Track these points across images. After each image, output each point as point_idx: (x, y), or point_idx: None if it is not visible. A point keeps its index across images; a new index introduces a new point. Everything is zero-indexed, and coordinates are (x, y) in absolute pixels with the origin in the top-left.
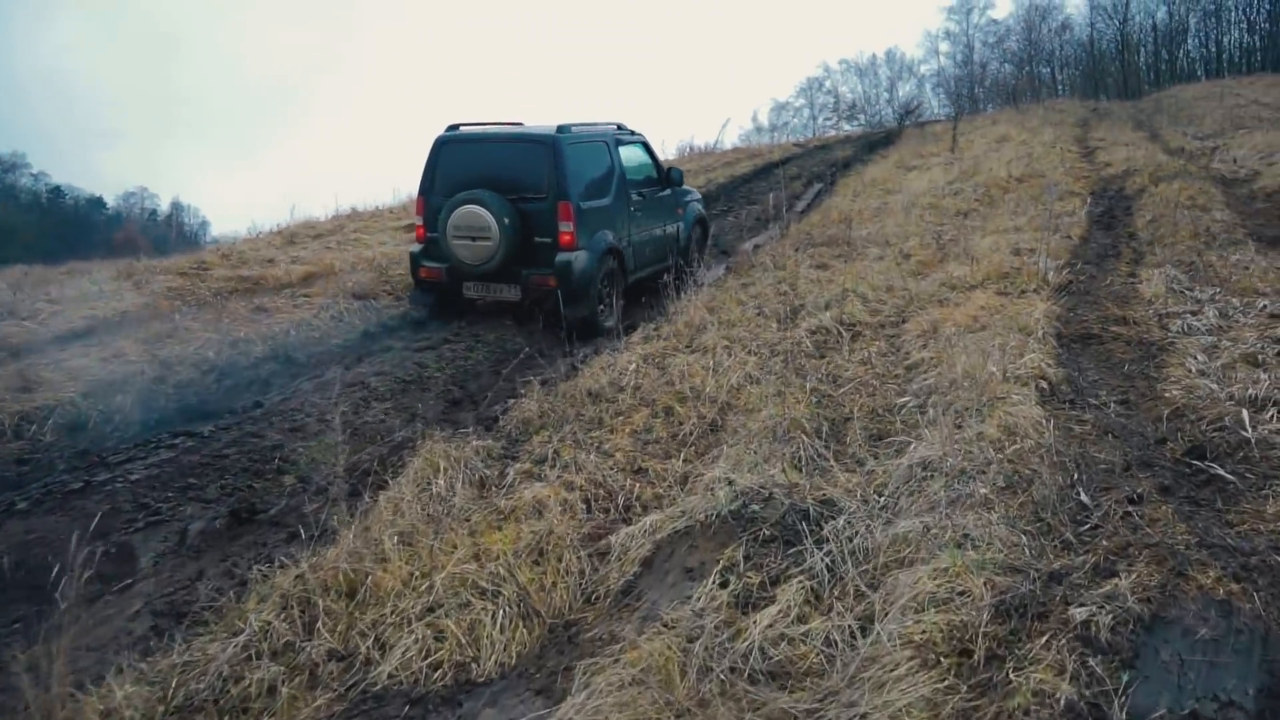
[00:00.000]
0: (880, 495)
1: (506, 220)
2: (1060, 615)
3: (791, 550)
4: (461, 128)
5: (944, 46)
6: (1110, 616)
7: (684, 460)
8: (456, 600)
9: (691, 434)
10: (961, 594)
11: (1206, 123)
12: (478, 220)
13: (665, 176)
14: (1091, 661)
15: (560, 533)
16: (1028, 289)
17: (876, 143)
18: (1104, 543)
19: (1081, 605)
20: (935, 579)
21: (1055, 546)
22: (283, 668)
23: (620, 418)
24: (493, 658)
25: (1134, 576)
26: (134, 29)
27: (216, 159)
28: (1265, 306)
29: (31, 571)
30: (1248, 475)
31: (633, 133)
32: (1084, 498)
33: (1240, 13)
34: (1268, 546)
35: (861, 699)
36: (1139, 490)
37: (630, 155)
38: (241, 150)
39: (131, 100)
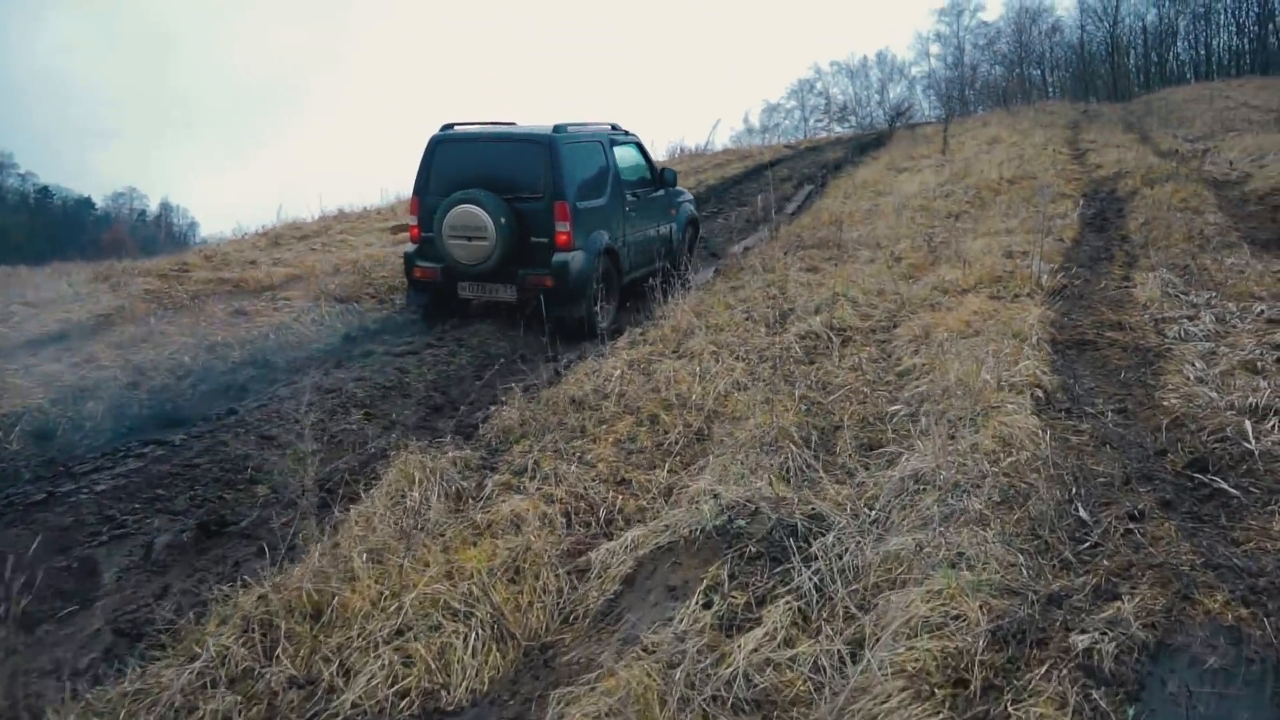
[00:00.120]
0: (871, 509)
1: (503, 220)
2: (1061, 642)
3: (778, 568)
4: (456, 127)
5: (935, 48)
6: (1114, 644)
7: (669, 471)
8: (427, 622)
9: (677, 443)
10: (956, 618)
11: (1197, 125)
12: (474, 220)
13: (659, 177)
14: (1095, 694)
15: (538, 549)
16: (1021, 293)
17: (867, 144)
18: (1105, 562)
19: (1083, 632)
20: (928, 602)
21: (1054, 566)
22: (239, 697)
23: (604, 426)
24: (463, 684)
25: (1137, 600)
26: (128, 29)
27: (210, 159)
28: (1263, 311)
29: None
30: (1252, 490)
31: (627, 133)
32: (1083, 513)
33: (1229, 16)
34: (1276, 567)
35: None
36: (1140, 506)
37: (624, 155)
38: (235, 150)
39: (125, 100)
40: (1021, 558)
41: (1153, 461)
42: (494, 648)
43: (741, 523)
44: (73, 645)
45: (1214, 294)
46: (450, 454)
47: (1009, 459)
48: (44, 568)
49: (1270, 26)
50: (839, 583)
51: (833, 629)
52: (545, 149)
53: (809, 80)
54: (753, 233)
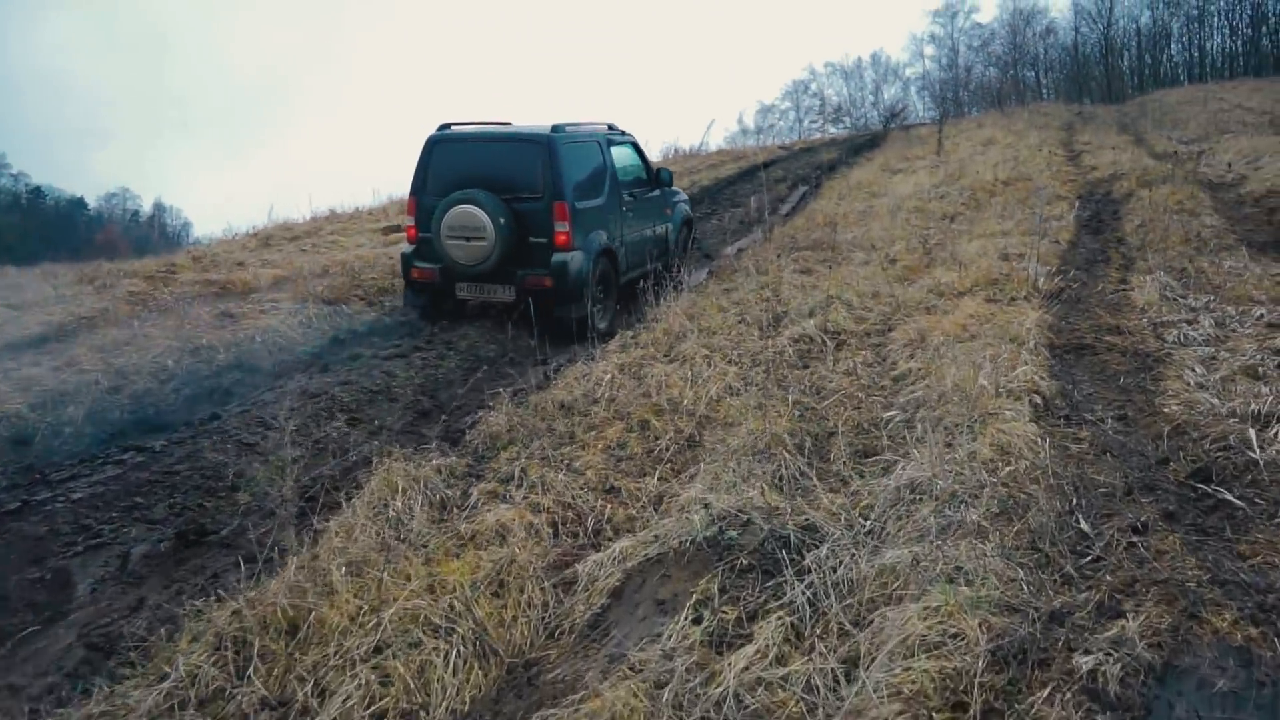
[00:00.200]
0: (866, 519)
1: (502, 220)
2: (1064, 664)
3: (770, 582)
4: (453, 127)
5: (929, 50)
6: (1119, 666)
7: (659, 478)
8: (406, 639)
9: (668, 450)
10: (955, 637)
11: (1191, 127)
12: (473, 220)
13: (655, 177)
14: (1100, 719)
15: (523, 561)
16: (1018, 296)
17: (862, 145)
18: (1108, 578)
19: (1087, 652)
20: (926, 619)
21: (1055, 581)
22: (209, 719)
23: (593, 432)
24: (443, 704)
25: (1142, 618)
26: (123, 28)
27: (206, 159)
28: (1262, 315)
29: None
30: (1257, 501)
31: (623, 132)
32: (1084, 525)
33: (1223, 18)
34: None
35: None
36: (1143, 518)
37: (621, 155)
38: (232, 150)
39: (120, 100)
40: (1021, 572)
41: (1155, 471)
42: (476, 665)
43: (733, 534)
44: (43, 661)
45: (1212, 297)
46: (435, 462)
47: (1007, 468)
48: (16, 579)
49: (1263, 29)
50: (833, 597)
51: (826, 646)
52: (544, 149)
53: (804, 81)
54: (746, 234)
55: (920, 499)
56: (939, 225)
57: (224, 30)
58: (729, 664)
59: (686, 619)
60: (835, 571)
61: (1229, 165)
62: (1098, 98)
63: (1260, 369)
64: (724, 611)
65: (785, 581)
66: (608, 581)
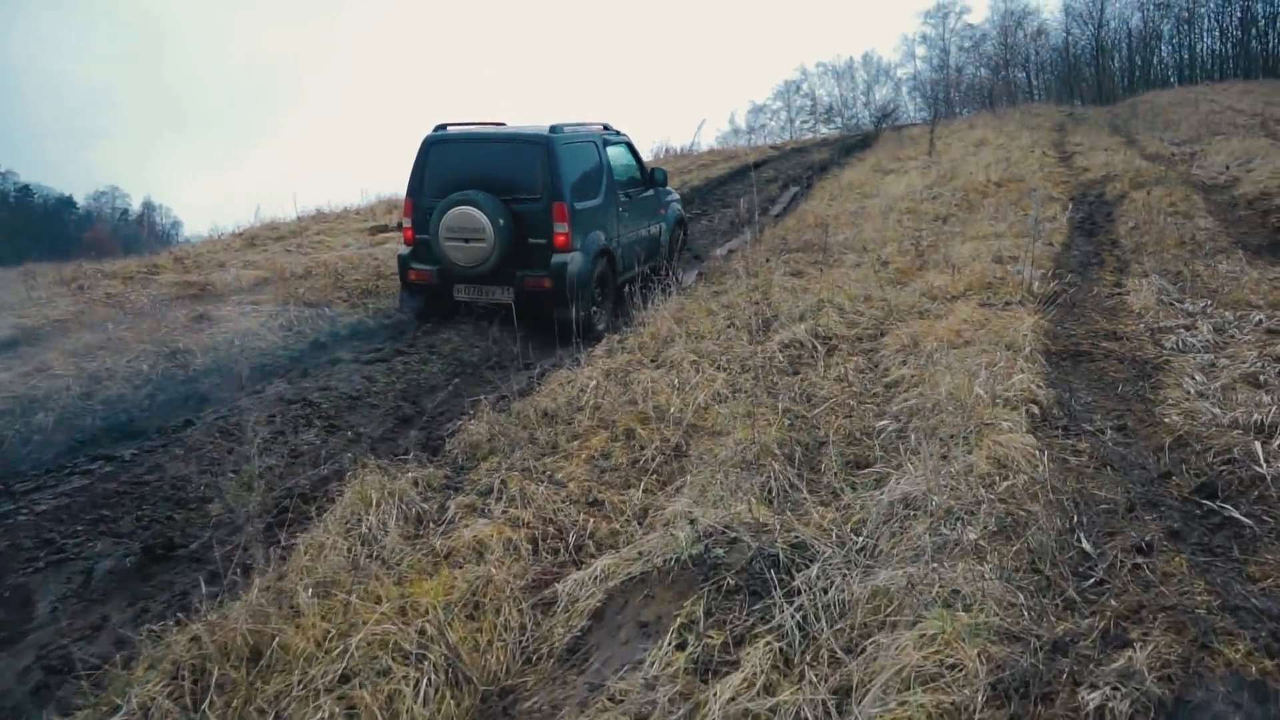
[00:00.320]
0: (858, 535)
1: (501, 221)
2: (1069, 699)
3: (758, 604)
4: (449, 128)
5: (920, 50)
6: (1127, 702)
7: (644, 490)
8: (375, 666)
9: (654, 460)
10: (952, 668)
11: (1182, 128)
12: (472, 222)
13: (649, 177)
14: None
15: (500, 580)
16: (1012, 300)
17: (853, 146)
18: (1112, 603)
19: (1093, 687)
20: (922, 648)
21: (1057, 606)
22: None
23: (577, 441)
24: None
25: (1151, 648)
26: (116, 27)
27: (200, 158)
28: (1261, 321)
29: None
30: (1265, 518)
31: (618, 133)
32: (1086, 545)
33: (1213, 20)
34: None
35: None
36: (1147, 537)
37: (616, 155)
38: (226, 150)
39: (113, 98)
40: (1022, 596)
41: (1157, 485)
42: (448, 694)
43: (719, 551)
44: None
45: (1209, 302)
46: (411, 474)
47: (1005, 483)
48: None
49: (1253, 31)
50: (823, 621)
51: (817, 675)
52: (543, 149)
53: (795, 81)
54: (737, 235)
55: (914, 515)
56: (931, 227)
57: (219, 28)
58: (714, 694)
59: (670, 644)
60: (826, 593)
61: (1228, 168)
62: (1089, 99)
63: (1261, 377)
64: (709, 636)
65: (774, 604)
66: (589, 602)
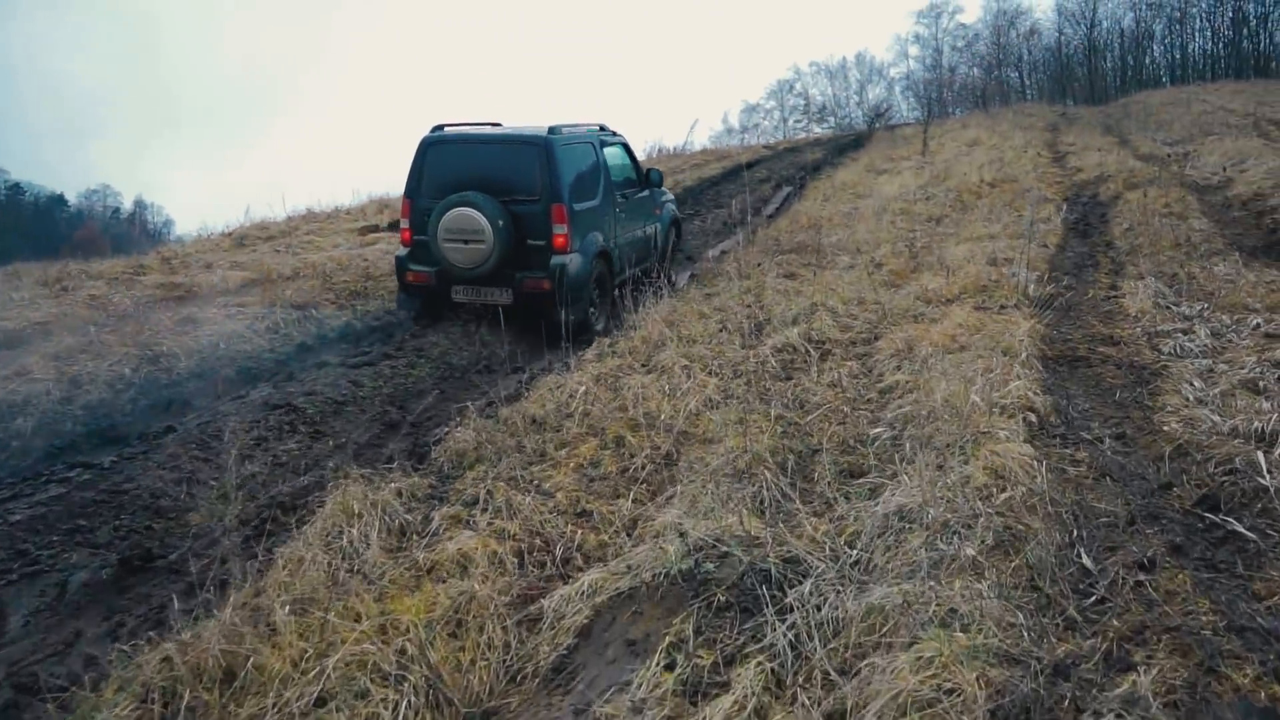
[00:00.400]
0: (852, 548)
1: (500, 223)
2: None
3: (750, 622)
4: (446, 128)
5: (913, 50)
6: None
7: (634, 500)
8: (352, 688)
9: (644, 468)
10: (950, 693)
11: (1175, 128)
12: (471, 223)
13: (645, 178)
14: None
15: (484, 597)
16: (1007, 304)
17: (846, 145)
18: (1114, 622)
19: (1097, 715)
20: (918, 672)
21: (1058, 626)
22: None
23: (565, 449)
24: None
25: (1155, 671)
26: (109, 25)
27: (191, 157)
28: (1259, 325)
29: None
30: (1269, 533)
31: (614, 133)
32: (1086, 561)
33: (1205, 20)
34: None
35: None
36: (1149, 553)
37: (612, 156)
38: (217, 148)
39: (106, 96)
40: (1021, 616)
41: (1158, 497)
42: (428, 717)
43: (710, 566)
44: None
45: (1206, 305)
46: (395, 484)
47: (1003, 495)
48: None
49: (1244, 31)
50: (816, 640)
51: (810, 697)
52: (542, 151)
53: (788, 81)
54: (729, 236)
55: (910, 528)
56: (925, 228)
57: (214, 28)
58: (704, 717)
59: (658, 664)
60: (819, 610)
61: (1224, 169)
62: (1081, 99)
63: (1260, 383)
64: (699, 656)
65: (766, 622)
66: (575, 619)
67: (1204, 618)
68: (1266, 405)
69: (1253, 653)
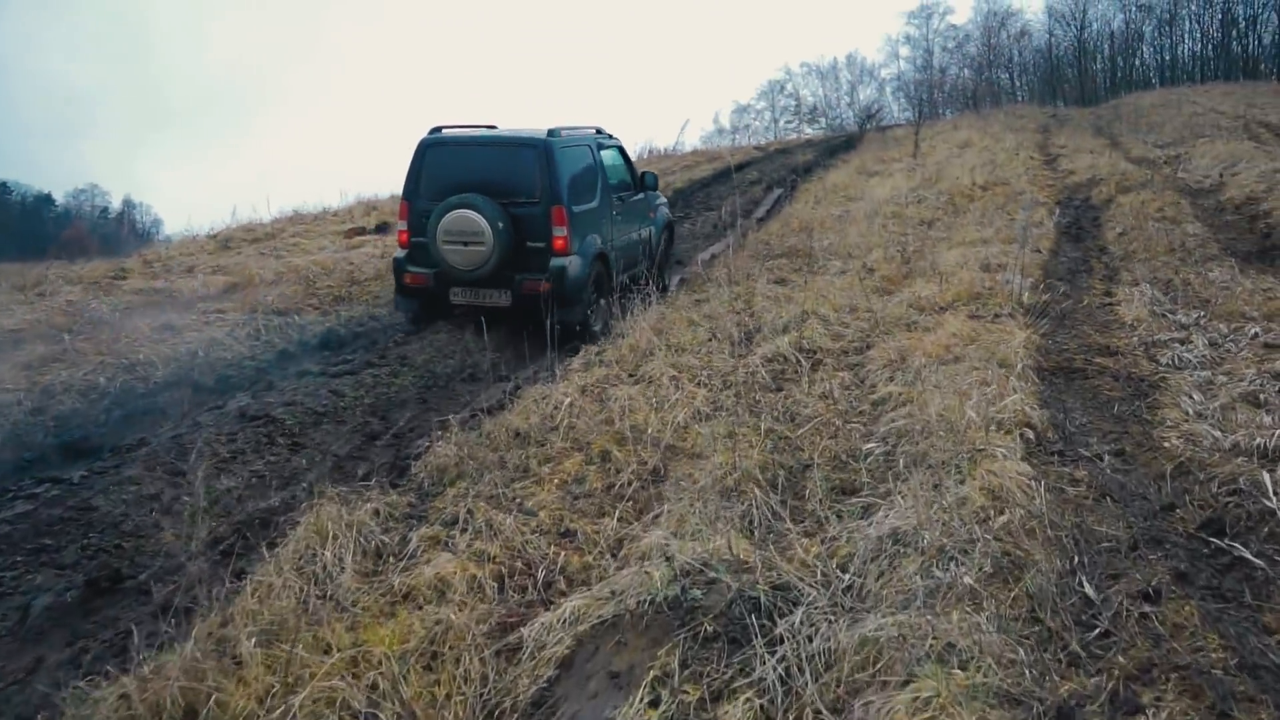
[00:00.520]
0: (845, 572)
1: (500, 224)
2: None
3: (738, 654)
4: (444, 130)
5: (904, 51)
6: None
7: (619, 519)
8: None
9: (630, 485)
10: None
11: (1166, 130)
12: (471, 225)
13: (640, 181)
14: None
15: (461, 626)
16: (1002, 312)
17: (838, 147)
18: (1120, 659)
19: None
20: (915, 715)
21: (1060, 663)
22: None
23: (549, 465)
24: None
25: (1165, 715)
26: (104, 25)
27: (183, 155)
28: (1257, 335)
29: None
30: (1278, 559)
31: (610, 136)
32: (1089, 590)
33: (1194, 22)
34: None
35: None
36: (1153, 581)
37: (608, 159)
38: (209, 147)
39: (97, 94)
40: (1022, 651)
41: (1160, 520)
42: None
43: (697, 593)
44: None
45: (1202, 313)
46: (371, 504)
47: (1000, 518)
48: None
49: (1233, 33)
50: (808, 674)
51: None
52: (541, 153)
53: (779, 81)
54: (720, 239)
55: (904, 552)
56: (917, 231)
57: (204, 25)
58: None
59: (643, 700)
60: (811, 642)
61: (1220, 174)
62: (1071, 100)
63: (1261, 395)
64: (685, 691)
65: (755, 654)
66: (557, 649)
67: (1214, 654)
68: (1268, 420)
69: (1266, 694)
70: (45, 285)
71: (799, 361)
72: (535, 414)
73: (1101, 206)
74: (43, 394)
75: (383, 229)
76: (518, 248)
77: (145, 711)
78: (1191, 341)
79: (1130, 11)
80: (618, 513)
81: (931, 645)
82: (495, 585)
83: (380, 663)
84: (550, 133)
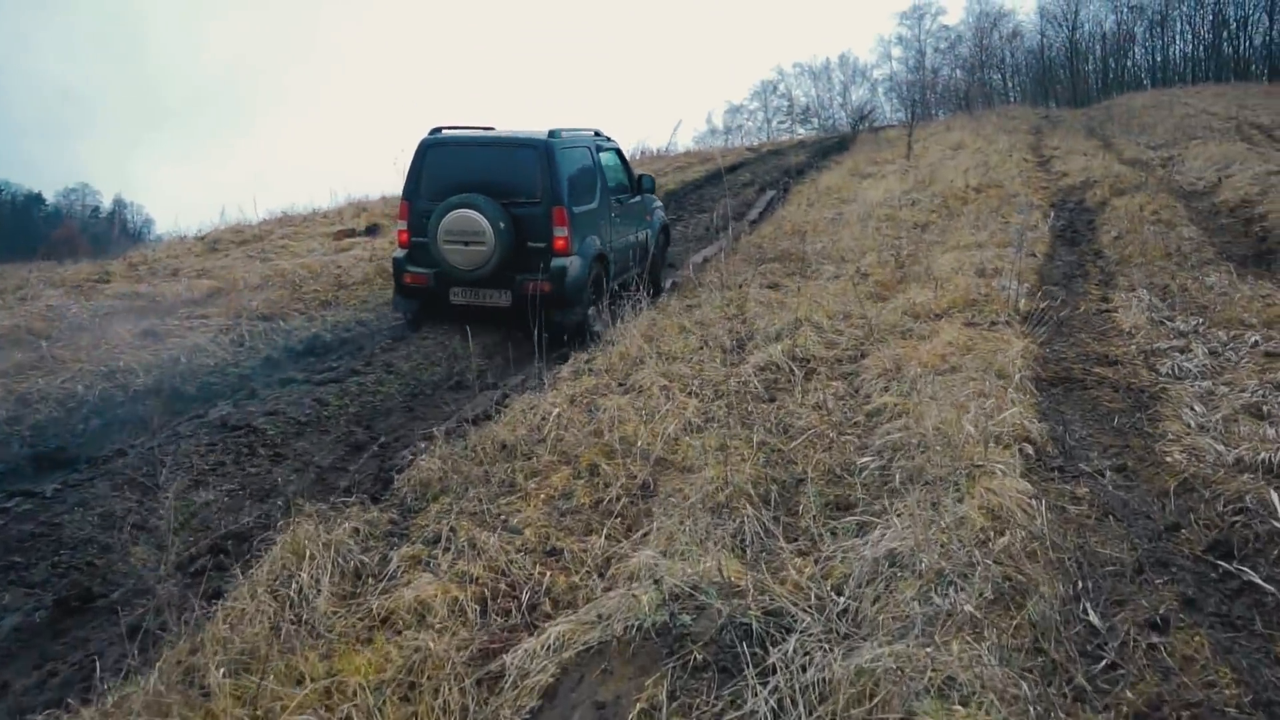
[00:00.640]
0: (839, 595)
1: (501, 225)
2: None
3: (729, 685)
4: (445, 131)
5: (896, 51)
6: None
7: (607, 537)
8: None
9: (618, 500)
10: None
11: (1158, 132)
12: (472, 225)
13: (637, 184)
14: None
15: (440, 654)
16: (998, 320)
17: (830, 148)
18: (1128, 694)
19: None
20: None
21: (1066, 698)
22: None
23: (536, 479)
24: None
25: None
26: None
27: (177, 155)
28: (1257, 343)
29: None
30: None
31: (608, 139)
32: (1093, 617)
33: (1185, 23)
34: None
35: None
36: (1161, 609)
37: (606, 161)
38: (203, 147)
39: (94, 95)
40: (1025, 685)
41: (1165, 540)
42: None
43: (686, 619)
44: None
45: (1201, 320)
46: (351, 522)
47: (1001, 539)
48: None
49: (1224, 34)
50: (801, 707)
51: None
52: (542, 154)
53: (772, 81)
54: (713, 241)
55: (901, 575)
56: (911, 235)
57: (201, 25)
58: None
59: None
60: (805, 672)
61: (1218, 178)
62: (1063, 101)
63: (1264, 407)
64: None
65: (746, 686)
66: (540, 677)
67: (1226, 690)
68: (1272, 433)
69: None
70: (26, 289)
71: (792, 370)
72: (522, 425)
73: (1096, 209)
74: (18, 403)
75: (373, 231)
76: (518, 248)
77: None
78: (1191, 350)
79: (1122, 12)
80: (605, 530)
81: (931, 679)
82: (478, 608)
83: (355, 694)
84: (551, 133)
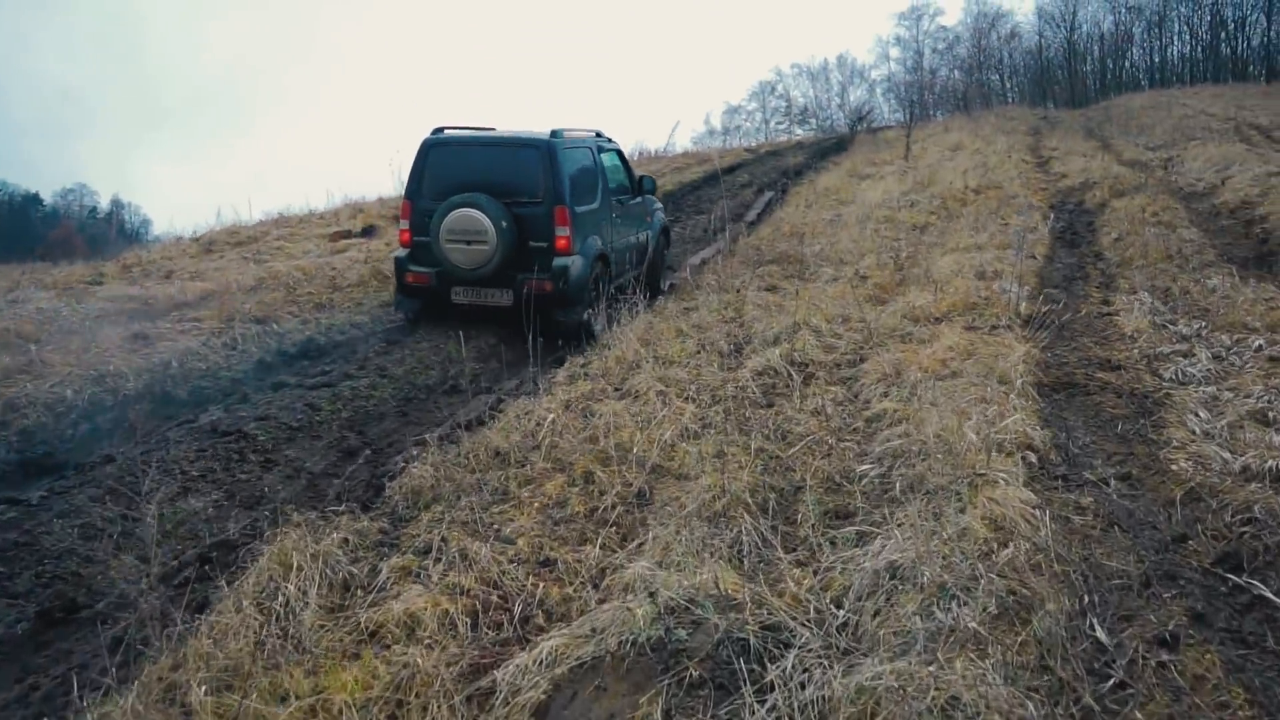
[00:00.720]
0: (839, 608)
1: (504, 224)
2: None
3: (726, 703)
4: (447, 130)
5: (894, 52)
6: None
7: (601, 546)
8: None
9: (613, 509)
10: None
11: (1157, 133)
12: (474, 224)
13: (638, 185)
14: None
15: (429, 670)
16: (999, 324)
17: (829, 149)
18: (1138, 714)
19: None
20: None
21: (1073, 719)
22: None
23: (530, 487)
24: None
25: None
26: (99, 25)
27: (175, 155)
28: (1261, 347)
29: None
30: None
31: (609, 140)
32: (1101, 633)
33: (1183, 24)
34: None
35: None
36: (1170, 625)
37: (608, 162)
38: (201, 147)
39: (94, 96)
40: (1031, 706)
41: (1172, 552)
42: None
43: (682, 634)
44: None
45: (1204, 323)
46: (340, 532)
47: (1004, 551)
48: None
49: (1222, 35)
50: None
51: None
52: (545, 153)
53: (770, 82)
54: (711, 243)
55: (902, 588)
56: (910, 237)
57: (201, 25)
58: None
59: None
60: (804, 690)
61: (1221, 180)
62: (1061, 102)
63: (1270, 413)
64: None
65: (744, 704)
66: (532, 694)
67: (1240, 711)
68: (1278, 440)
69: None
70: (18, 290)
71: (790, 375)
72: (516, 431)
73: (1095, 211)
74: (5, 408)
75: (369, 232)
76: (520, 247)
77: None
78: (1194, 354)
79: (1120, 13)
80: (600, 540)
81: (934, 698)
82: (468, 621)
83: (340, 712)
84: (553, 133)
